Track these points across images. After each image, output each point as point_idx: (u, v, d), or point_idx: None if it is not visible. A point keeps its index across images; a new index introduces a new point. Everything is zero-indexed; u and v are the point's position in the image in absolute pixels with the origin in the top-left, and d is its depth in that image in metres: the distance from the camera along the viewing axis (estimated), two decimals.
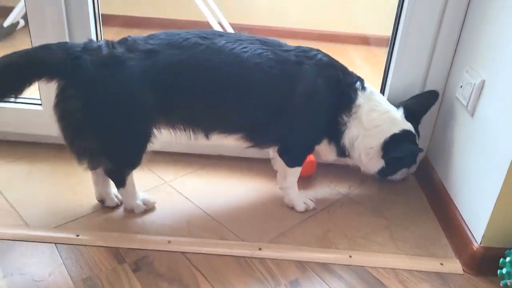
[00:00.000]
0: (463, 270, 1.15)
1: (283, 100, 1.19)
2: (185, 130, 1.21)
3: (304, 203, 1.32)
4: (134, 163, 1.20)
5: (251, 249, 1.16)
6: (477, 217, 1.14)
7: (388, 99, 1.32)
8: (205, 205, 1.32)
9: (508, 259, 1.06)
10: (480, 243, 1.12)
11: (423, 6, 1.28)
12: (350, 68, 1.27)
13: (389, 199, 1.41)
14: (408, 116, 1.28)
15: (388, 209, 1.36)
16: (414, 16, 1.30)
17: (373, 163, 1.30)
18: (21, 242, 1.13)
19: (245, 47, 1.15)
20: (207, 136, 1.23)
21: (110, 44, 1.10)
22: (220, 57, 1.13)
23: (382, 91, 1.47)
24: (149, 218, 1.26)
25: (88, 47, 1.09)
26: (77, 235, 1.17)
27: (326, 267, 1.13)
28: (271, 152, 1.43)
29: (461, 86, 1.26)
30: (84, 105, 1.07)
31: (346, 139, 1.27)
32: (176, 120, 1.19)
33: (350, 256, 1.17)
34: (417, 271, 1.14)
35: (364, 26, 2.76)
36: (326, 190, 1.43)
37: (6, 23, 2.38)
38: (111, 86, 1.07)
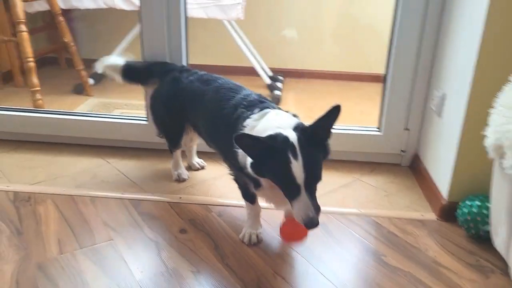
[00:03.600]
0: (436, 218, 1.72)
1: (225, 134, 1.46)
2: (199, 136, 1.81)
3: (246, 235, 1.56)
4: (174, 143, 1.90)
5: None
6: (444, 183, 1.71)
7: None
8: None
9: (460, 210, 1.62)
10: (447, 199, 1.69)
11: (405, 52, 1.92)
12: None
13: (389, 181, 1.99)
14: (306, 133, 1.26)
15: (389, 187, 1.94)
16: (399, 59, 1.93)
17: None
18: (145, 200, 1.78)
19: (225, 93, 1.57)
20: (209, 145, 1.74)
21: (184, 71, 1.83)
22: (211, 94, 1.62)
23: (381, 121, 2.09)
24: (223, 187, 1.89)
25: (175, 68, 1.87)
26: (180, 197, 1.81)
27: (343, 217, 1.71)
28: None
29: (433, 99, 1.87)
30: (157, 94, 1.86)
31: (241, 159, 1.36)
32: (193, 125, 1.78)
33: (360, 209, 1.76)
34: (405, 218, 1.71)
35: (377, 66, 3.40)
36: (340, 176, 2.02)
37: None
38: (170, 89, 1.79)
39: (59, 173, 1.96)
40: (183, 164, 1.99)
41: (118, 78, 1.96)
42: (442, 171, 1.75)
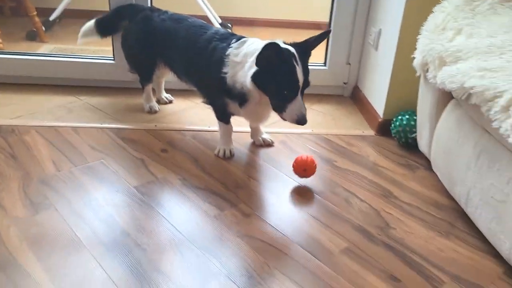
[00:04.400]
0: (374, 133, 2.07)
1: (200, 64, 1.74)
2: (171, 70, 1.99)
3: (220, 150, 1.81)
4: (146, 78, 2.07)
5: None
6: (380, 104, 2.06)
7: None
8: None
9: (393, 124, 1.97)
10: (382, 117, 2.05)
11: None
12: None
13: (334, 109, 2.32)
14: (299, 47, 1.56)
15: (335, 113, 2.27)
16: (341, 5, 2.22)
17: (248, 79, 1.54)
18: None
19: (196, 30, 1.79)
20: (184, 81, 1.94)
21: (155, 10, 2.00)
22: (182, 31, 1.82)
23: (326, 56, 2.39)
24: (192, 117, 2.12)
25: (145, 8, 2.03)
26: (155, 125, 2.02)
27: (300, 136, 2.02)
28: None
29: (371, 35, 2.19)
30: (129, 32, 2.02)
31: (229, 81, 1.60)
32: (166, 60, 1.96)
33: (312, 130, 2.07)
34: (350, 135, 2.05)
35: (318, 15, 3.70)
36: None
37: (52, 17, 3.17)
38: (142, 27, 1.95)
39: (36, 109, 2.08)
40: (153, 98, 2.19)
41: (97, 37, 2.13)
42: (378, 96, 2.10)
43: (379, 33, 2.10)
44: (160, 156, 1.79)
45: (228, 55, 1.62)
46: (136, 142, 1.87)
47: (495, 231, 1.28)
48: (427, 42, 1.55)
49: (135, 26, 1.99)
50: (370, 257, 1.33)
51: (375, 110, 2.12)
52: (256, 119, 1.77)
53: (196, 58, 1.76)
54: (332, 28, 2.29)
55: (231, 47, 1.62)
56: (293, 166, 1.65)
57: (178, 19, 1.90)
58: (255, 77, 1.52)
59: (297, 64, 1.50)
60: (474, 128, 1.40)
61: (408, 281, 1.25)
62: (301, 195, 1.61)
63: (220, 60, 1.63)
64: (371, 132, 2.09)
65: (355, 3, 2.22)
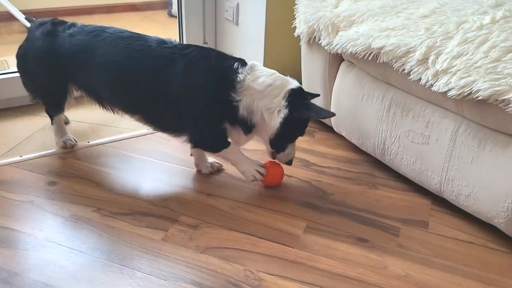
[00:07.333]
0: None
1: (159, 91, 1.41)
2: (91, 98, 1.58)
3: (253, 175, 1.50)
4: (56, 107, 1.66)
5: None
6: None
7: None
8: None
9: None
10: None
11: None
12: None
13: None
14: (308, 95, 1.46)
15: None
16: None
17: (275, 121, 1.39)
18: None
19: (129, 43, 1.44)
20: (113, 111, 1.57)
21: (58, 23, 1.56)
22: (107, 48, 1.45)
23: (181, 37, 2.26)
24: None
25: (45, 22, 1.58)
26: (21, 156, 1.64)
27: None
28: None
29: (227, 10, 2.15)
30: (27, 52, 1.57)
31: (242, 110, 1.39)
32: (81, 87, 1.58)
33: None
34: None
35: None
36: None
37: None
38: (45, 45, 1.52)
39: None
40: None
41: None
42: None
43: (237, 7, 2.07)
44: (51, 191, 1.46)
45: (242, 80, 1.37)
46: (9, 183, 1.49)
47: (421, 170, 1.44)
48: (313, 11, 1.59)
49: (34, 44, 1.54)
50: (330, 227, 1.36)
51: None
52: (241, 143, 1.53)
53: (153, 81, 1.41)
54: (183, 9, 2.18)
55: (238, 72, 1.37)
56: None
57: (92, 32, 1.49)
58: (283, 123, 1.38)
59: None
60: (377, 84, 1.53)
61: (373, 237, 1.33)
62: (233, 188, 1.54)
63: (224, 84, 1.38)
64: None
65: None
